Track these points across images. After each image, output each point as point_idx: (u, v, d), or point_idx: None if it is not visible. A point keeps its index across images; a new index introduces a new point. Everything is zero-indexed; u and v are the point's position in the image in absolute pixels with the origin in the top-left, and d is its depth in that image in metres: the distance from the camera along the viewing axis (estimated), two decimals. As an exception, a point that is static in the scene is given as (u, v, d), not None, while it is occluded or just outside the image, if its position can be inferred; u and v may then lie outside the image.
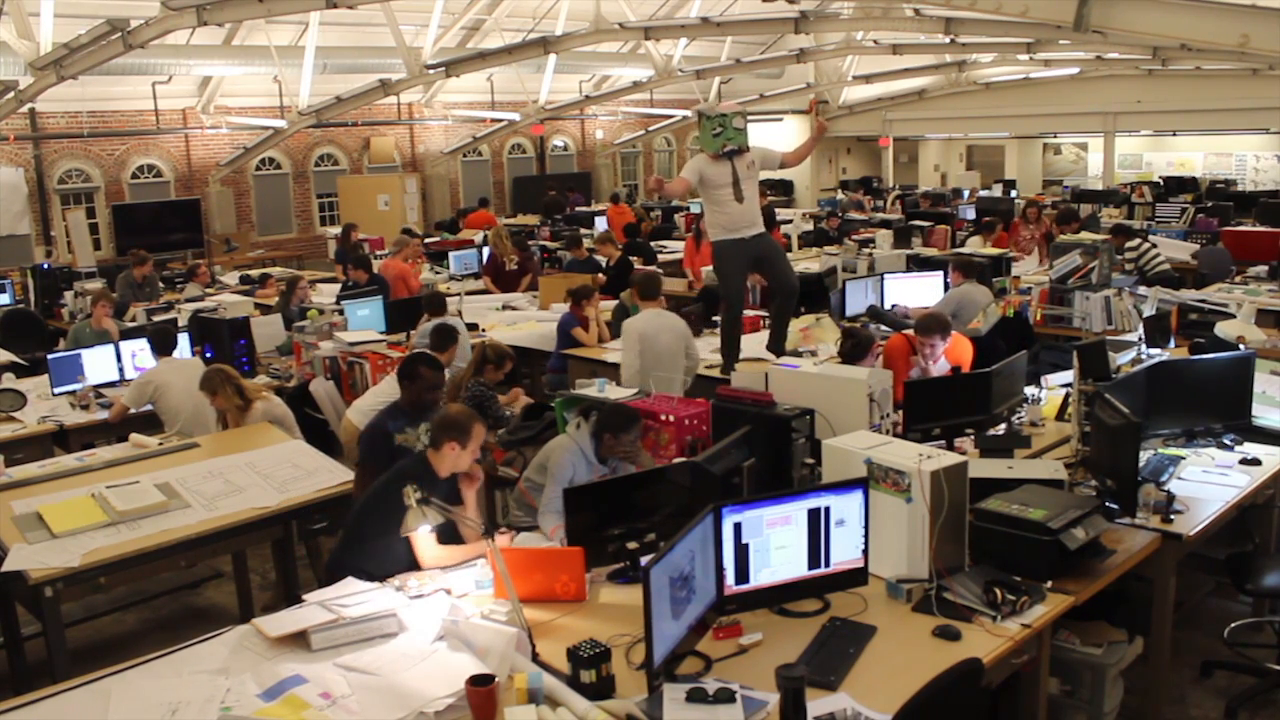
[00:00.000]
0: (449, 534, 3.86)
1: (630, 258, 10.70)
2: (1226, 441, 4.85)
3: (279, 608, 3.70)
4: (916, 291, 8.44)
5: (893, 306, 8.24)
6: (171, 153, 16.50)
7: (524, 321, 8.87)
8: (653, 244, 12.94)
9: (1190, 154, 21.29)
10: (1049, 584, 3.46)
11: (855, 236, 12.67)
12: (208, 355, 7.11)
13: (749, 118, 6.24)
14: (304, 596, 3.59)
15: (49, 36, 11.36)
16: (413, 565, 3.81)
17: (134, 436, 5.73)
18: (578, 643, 2.93)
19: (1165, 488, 4.25)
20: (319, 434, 6.24)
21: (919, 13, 12.22)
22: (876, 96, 22.33)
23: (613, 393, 5.22)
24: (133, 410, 6.31)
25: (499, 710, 2.83)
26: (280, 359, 7.65)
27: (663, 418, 4.81)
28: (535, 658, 3.11)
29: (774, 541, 3.33)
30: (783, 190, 22.64)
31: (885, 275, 8.68)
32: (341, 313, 7.88)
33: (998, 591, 3.33)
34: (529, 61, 16.10)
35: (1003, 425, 5.16)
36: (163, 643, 3.38)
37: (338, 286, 10.05)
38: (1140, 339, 6.41)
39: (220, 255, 15.54)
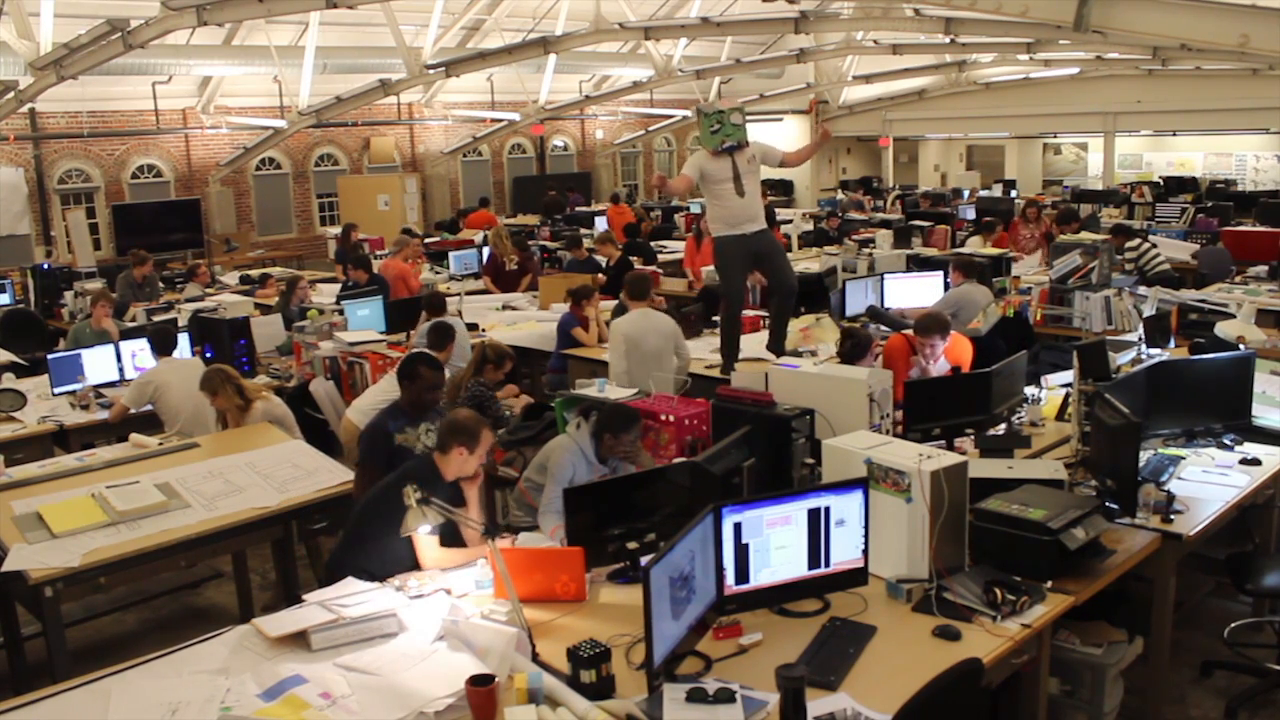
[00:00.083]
0: (450, 535, 3.86)
1: (630, 258, 10.70)
2: (1226, 441, 4.85)
3: (279, 608, 3.70)
4: (916, 291, 8.43)
5: (886, 310, 8.23)
6: (171, 153, 16.50)
7: (524, 321, 8.87)
8: (653, 244, 12.94)
9: (1190, 154, 21.29)
10: (1049, 584, 3.45)
11: (855, 236, 12.67)
12: (208, 355, 7.11)
13: (747, 115, 6.24)
14: (304, 596, 3.59)
15: (49, 36, 11.36)
16: (415, 565, 3.81)
17: (134, 436, 5.73)
18: (578, 643, 2.93)
19: (1165, 488, 4.25)
20: (319, 434, 6.24)
21: (919, 13, 12.22)
22: (876, 96, 22.34)
23: (613, 393, 5.22)
24: (133, 410, 6.31)
25: (499, 710, 2.83)
26: (280, 359, 7.65)
27: (663, 418, 4.82)
28: (535, 658, 3.11)
29: (774, 541, 3.33)
30: (783, 190, 22.64)
31: (885, 275, 8.67)
32: (341, 313, 7.88)
33: (998, 591, 3.33)
34: (529, 61, 16.10)
35: (1003, 425, 5.16)
36: (163, 643, 3.38)
37: (338, 286, 10.05)
38: (1140, 339, 6.41)
39: (220, 255, 15.54)
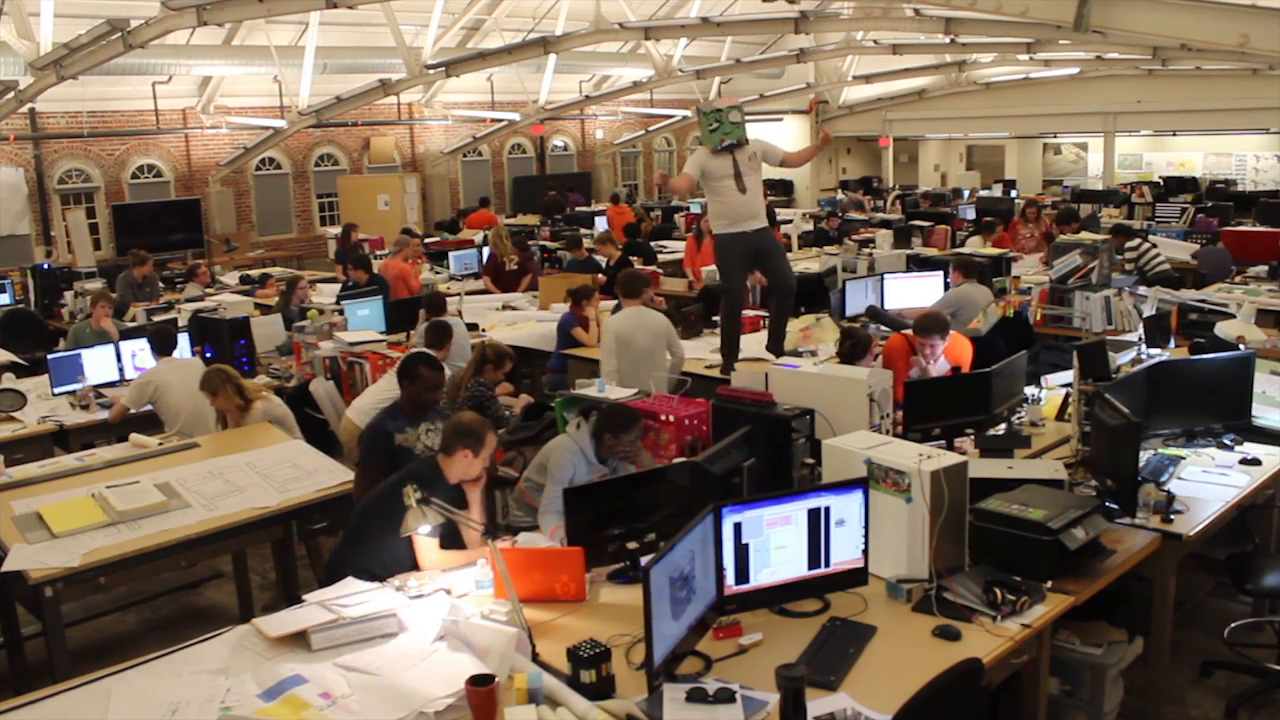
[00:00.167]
0: (450, 536, 3.86)
1: (630, 258, 10.70)
2: (1226, 441, 4.85)
3: (279, 608, 3.70)
4: (916, 291, 8.43)
5: (886, 310, 8.22)
6: (171, 153, 16.50)
7: (524, 321, 8.87)
8: (653, 244, 12.94)
9: (1190, 154, 21.29)
10: (1049, 584, 3.45)
11: (855, 236, 12.67)
12: (208, 355, 7.11)
13: (746, 114, 6.24)
14: (304, 596, 3.59)
15: (49, 36, 11.37)
16: (416, 566, 3.81)
17: (134, 436, 5.73)
18: (578, 643, 2.93)
19: (1165, 488, 4.25)
20: (319, 434, 6.23)
21: (919, 13, 12.23)
22: (876, 96, 22.34)
23: (613, 393, 5.22)
24: (133, 410, 6.31)
25: (499, 710, 2.83)
26: (280, 359, 7.64)
27: (663, 418, 4.82)
28: (535, 658, 3.11)
29: (774, 541, 3.32)
30: (783, 190, 22.64)
31: (885, 275, 8.67)
32: (341, 313, 7.88)
33: (998, 591, 3.33)
34: (529, 61, 16.10)
35: (1003, 425, 5.16)
36: (163, 643, 3.38)
37: (338, 286, 10.05)
38: (1140, 339, 6.41)
39: (220, 255, 15.54)
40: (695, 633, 3.10)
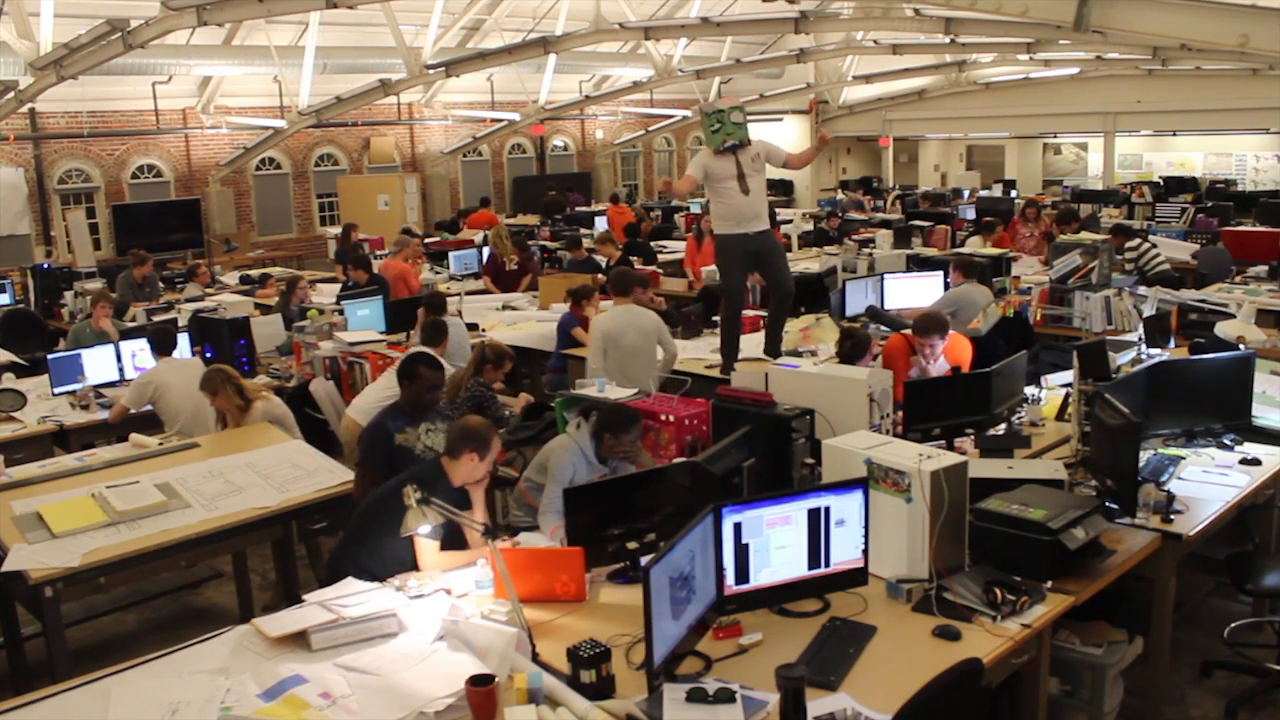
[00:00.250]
0: (451, 538, 3.86)
1: (630, 258, 10.70)
2: (1226, 441, 4.85)
3: (279, 608, 3.70)
4: (916, 291, 8.43)
5: (886, 310, 8.22)
6: (171, 153, 16.50)
7: (524, 321, 8.87)
8: (653, 244, 12.94)
9: (1190, 154, 21.29)
10: (1049, 584, 3.45)
11: (855, 236, 12.67)
12: (208, 355, 7.11)
13: (748, 115, 6.23)
14: (304, 596, 3.59)
15: (49, 36, 11.37)
16: (416, 565, 3.81)
17: (134, 436, 5.73)
18: (578, 643, 2.93)
19: (1165, 488, 4.25)
20: (319, 434, 6.23)
21: (919, 13, 12.23)
22: (876, 96, 22.34)
23: (613, 393, 5.22)
24: (133, 410, 6.31)
25: (499, 710, 2.83)
26: (280, 359, 7.65)
27: (663, 418, 4.82)
28: (535, 658, 3.11)
29: (774, 541, 3.33)
30: (783, 190, 22.62)
31: (885, 275, 8.67)
32: (341, 313, 7.88)
33: (998, 591, 3.33)
34: (529, 61, 16.10)
35: (1003, 425, 5.16)
36: (163, 643, 3.38)
37: (338, 286, 10.05)
38: (1140, 339, 6.41)
39: (220, 255, 15.54)
40: (695, 633, 3.10)
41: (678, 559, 2.96)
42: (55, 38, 11.37)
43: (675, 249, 12.92)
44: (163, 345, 6.56)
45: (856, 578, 3.46)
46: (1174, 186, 17.48)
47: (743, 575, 3.30)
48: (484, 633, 3.16)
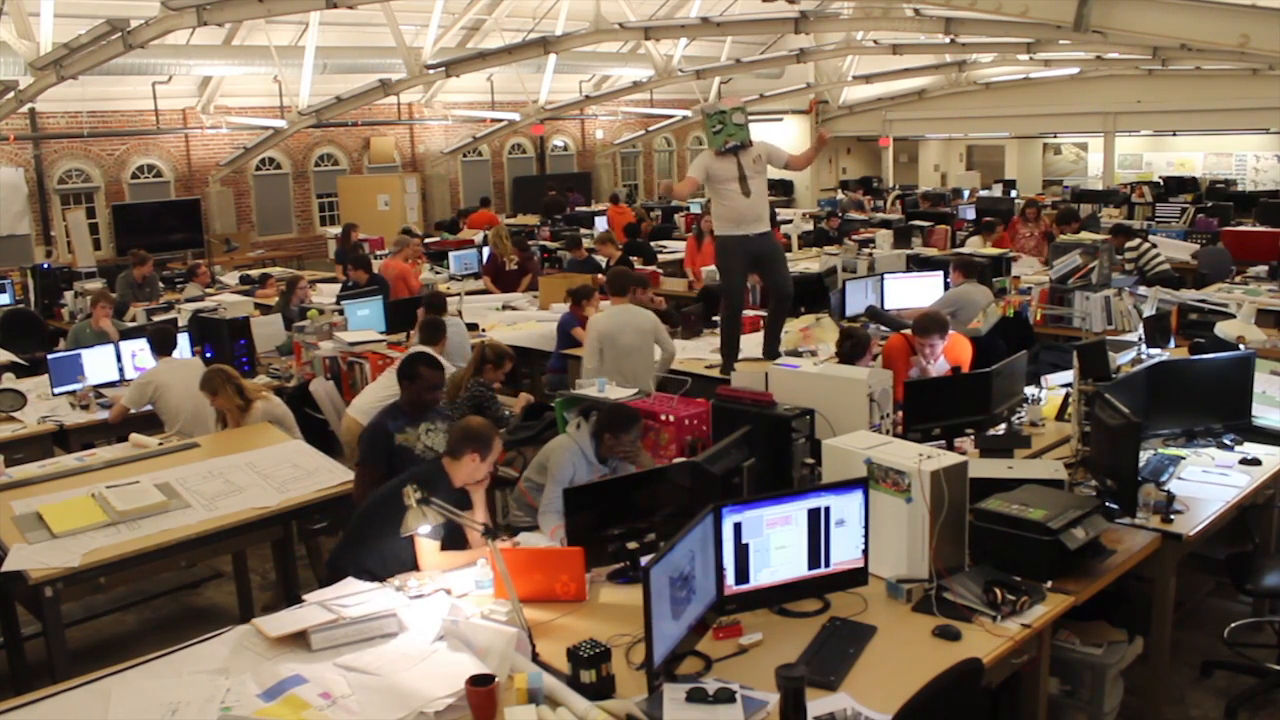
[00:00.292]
0: (451, 538, 3.86)
1: (630, 258, 10.70)
2: (1226, 441, 4.85)
3: (279, 608, 3.70)
4: (916, 291, 8.43)
5: (886, 310, 8.22)
6: (171, 153, 16.50)
7: (524, 321, 8.87)
8: (653, 244, 12.94)
9: (1190, 154, 21.30)
10: (1049, 584, 3.45)
11: (855, 236, 12.67)
12: (208, 355, 7.11)
13: (749, 115, 6.23)
14: (304, 596, 3.59)
15: (49, 36, 11.37)
16: (416, 565, 3.81)
17: (134, 436, 5.73)
18: (578, 643, 2.93)
19: (1165, 488, 4.25)
20: (319, 434, 6.24)
21: (919, 13, 12.23)
22: (876, 96, 22.34)
23: (613, 393, 5.22)
24: (133, 410, 6.31)
25: (499, 710, 2.83)
26: (280, 359, 7.65)
27: (663, 418, 4.82)
28: (535, 658, 3.11)
29: (774, 541, 3.33)
30: (783, 190, 22.63)
31: (885, 275, 8.67)
32: (341, 313, 7.88)
33: (998, 591, 3.33)
34: (529, 61, 16.10)
35: (1003, 425, 5.16)
36: (163, 643, 3.38)
37: (338, 286, 10.05)
38: (1140, 339, 6.41)
39: (220, 255, 15.54)
40: (695, 633, 3.10)
41: (678, 559, 2.96)
42: (55, 38, 11.37)
43: (675, 249, 12.92)
44: (163, 345, 6.56)
45: (856, 578, 3.46)
46: (1174, 186, 17.48)
47: (743, 575, 3.30)
48: (484, 633, 3.16)
